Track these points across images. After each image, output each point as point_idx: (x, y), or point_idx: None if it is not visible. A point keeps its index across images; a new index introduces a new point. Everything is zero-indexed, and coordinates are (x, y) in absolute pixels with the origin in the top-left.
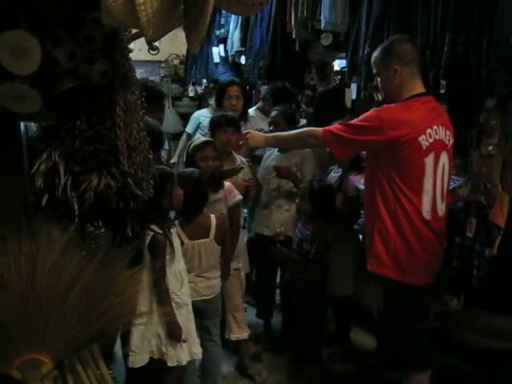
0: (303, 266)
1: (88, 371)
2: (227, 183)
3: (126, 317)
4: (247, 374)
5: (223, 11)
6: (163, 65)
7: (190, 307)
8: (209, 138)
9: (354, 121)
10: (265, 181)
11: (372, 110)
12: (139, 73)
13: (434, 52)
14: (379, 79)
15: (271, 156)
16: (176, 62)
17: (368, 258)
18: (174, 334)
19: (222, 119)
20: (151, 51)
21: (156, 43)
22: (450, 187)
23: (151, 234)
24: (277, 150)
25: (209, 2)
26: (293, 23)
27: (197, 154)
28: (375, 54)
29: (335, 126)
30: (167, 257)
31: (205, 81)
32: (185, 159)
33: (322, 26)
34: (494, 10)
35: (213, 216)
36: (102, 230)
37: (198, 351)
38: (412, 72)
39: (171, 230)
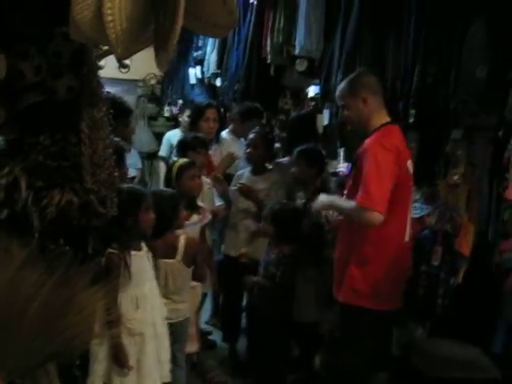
0: (269, 290)
1: None
2: (200, 203)
3: (85, 336)
4: None
5: None
6: (140, 84)
7: (148, 338)
8: (191, 159)
9: (373, 173)
10: (234, 201)
11: (378, 147)
12: (115, 91)
13: (404, 82)
14: (346, 111)
15: (242, 176)
16: (153, 81)
17: (339, 289)
18: (118, 359)
19: (195, 141)
20: (122, 69)
21: (128, 61)
22: (418, 215)
23: (106, 253)
24: (248, 170)
25: (177, 23)
26: (268, 48)
27: (183, 173)
28: (341, 86)
29: (368, 195)
30: (122, 279)
31: (180, 101)
32: (165, 179)
33: (297, 51)
34: (462, 43)
35: (182, 237)
36: (64, 247)
37: (167, 375)
38: (379, 102)
39: (140, 253)
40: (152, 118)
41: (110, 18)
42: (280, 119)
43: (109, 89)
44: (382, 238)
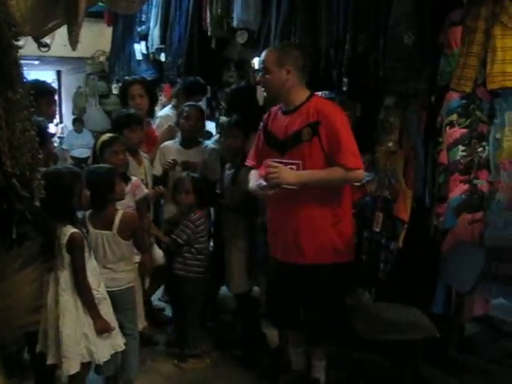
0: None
1: None
2: (134, 178)
3: (24, 318)
4: None
5: (144, 7)
6: (89, 61)
7: (109, 300)
8: (115, 134)
9: (348, 135)
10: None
11: (339, 113)
12: (65, 70)
13: (338, 51)
14: (266, 75)
15: (170, 149)
16: (102, 58)
17: (304, 253)
18: (101, 329)
19: (128, 118)
20: (41, 48)
21: (48, 40)
22: (360, 183)
23: (68, 233)
24: (176, 142)
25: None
26: (208, 21)
27: (106, 149)
28: (269, 51)
29: (355, 157)
30: (85, 255)
31: (127, 78)
32: (92, 155)
33: (235, 23)
34: (389, 10)
35: (120, 211)
36: None
37: (120, 343)
38: (302, 78)
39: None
40: (103, 96)
41: None
42: (226, 92)
43: (57, 67)
44: (348, 196)
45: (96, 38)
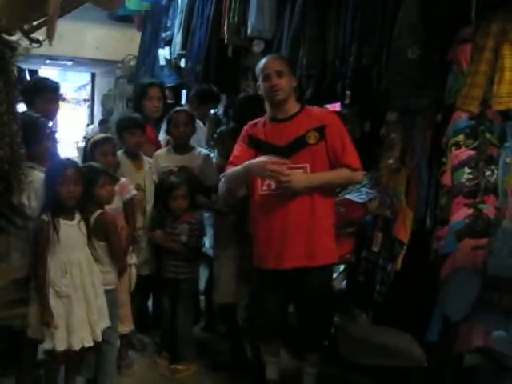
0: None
1: None
2: (123, 179)
3: None
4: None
5: (170, 13)
6: (119, 65)
7: (74, 301)
8: (108, 134)
9: (350, 138)
10: None
11: (339, 118)
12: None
13: (343, 62)
14: (280, 78)
15: (166, 157)
16: (132, 62)
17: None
18: (44, 318)
19: (130, 122)
20: (34, 44)
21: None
22: (362, 200)
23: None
24: (168, 150)
25: None
26: (225, 29)
27: (96, 149)
28: (280, 57)
29: (357, 159)
30: (55, 246)
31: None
32: (82, 155)
33: (249, 31)
34: (394, 22)
35: (98, 211)
36: None
37: (75, 343)
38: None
39: (70, 222)
40: (131, 100)
41: None
42: (235, 100)
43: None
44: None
45: (128, 42)
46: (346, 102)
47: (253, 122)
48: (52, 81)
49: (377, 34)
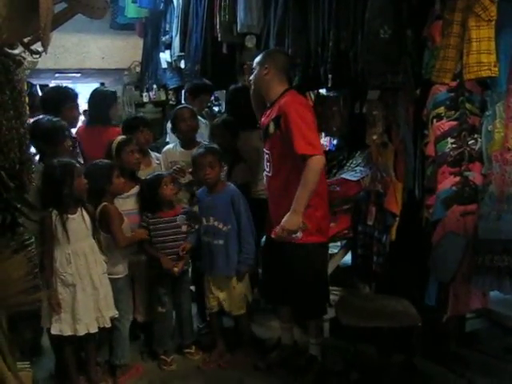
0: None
1: None
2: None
3: (12, 299)
4: None
5: (167, 17)
6: (126, 72)
7: (79, 289)
8: (129, 136)
9: (303, 124)
10: None
11: (296, 104)
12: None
13: (324, 48)
14: (253, 72)
15: (174, 153)
16: (138, 69)
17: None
18: (51, 304)
19: (136, 121)
20: (34, 55)
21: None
22: (356, 178)
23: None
24: (177, 145)
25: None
26: (218, 26)
27: (123, 149)
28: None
29: (308, 144)
30: (59, 237)
31: (155, 86)
32: (105, 154)
33: (238, 28)
34: (365, 5)
35: (103, 204)
36: None
37: (80, 329)
38: (280, 77)
39: (73, 216)
40: (140, 105)
41: None
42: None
43: (100, 79)
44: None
45: (132, 49)
46: (329, 85)
47: None
48: (71, 88)
49: (351, 19)
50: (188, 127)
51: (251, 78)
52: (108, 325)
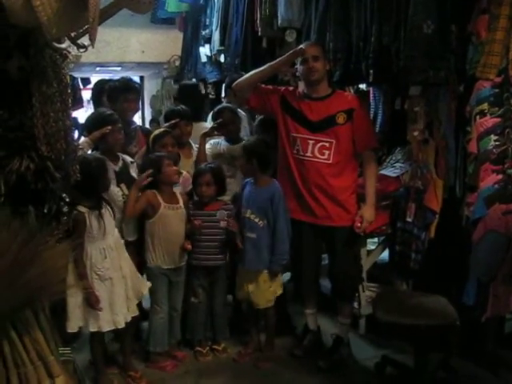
0: None
1: (24, 338)
2: (184, 172)
3: (55, 286)
4: None
5: (207, 12)
6: (165, 66)
7: (116, 281)
8: (167, 129)
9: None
10: None
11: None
12: (147, 75)
13: (366, 43)
14: (316, 62)
15: (219, 146)
16: (178, 63)
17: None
18: (90, 302)
19: (177, 113)
20: (80, 50)
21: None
22: (396, 174)
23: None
24: (224, 139)
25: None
26: (258, 21)
27: (157, 142)
28: (314, 43)
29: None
30: (94, 233)
31: (194, 80)
32: (146, 147)
33: (279, 22)
34: (409, 1)
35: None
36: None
37: (120, 320)
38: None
39: (103, 210)
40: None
41: (37, 2)
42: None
43: (140, 73)
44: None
45: (172, 43)
46: (370, 80)
47: (290, 88)
48: (136, 82)
49: (394, 13)
50: (228, 132)
51: (314, 65)
52: (136, 313)
